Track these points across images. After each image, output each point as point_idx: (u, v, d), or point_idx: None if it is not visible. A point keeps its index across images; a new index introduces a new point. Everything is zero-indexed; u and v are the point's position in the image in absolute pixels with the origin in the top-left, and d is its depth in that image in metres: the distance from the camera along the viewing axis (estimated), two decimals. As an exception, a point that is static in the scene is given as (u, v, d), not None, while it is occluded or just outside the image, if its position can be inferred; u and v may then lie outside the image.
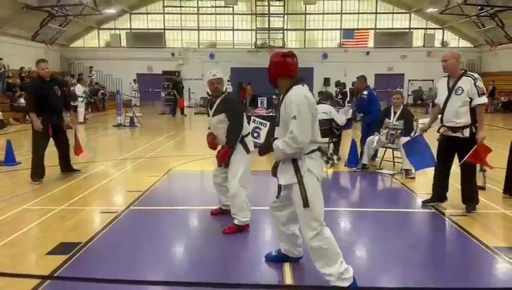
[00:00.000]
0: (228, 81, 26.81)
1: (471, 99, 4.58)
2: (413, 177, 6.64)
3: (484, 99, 4.60)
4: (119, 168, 7.58)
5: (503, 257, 3.71)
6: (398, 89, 20.01)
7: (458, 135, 4.71)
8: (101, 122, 16.31)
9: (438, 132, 4.96)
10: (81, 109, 15.45)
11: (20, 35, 19.67)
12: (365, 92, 7.73)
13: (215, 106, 4.28)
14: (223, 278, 3.28)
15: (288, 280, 3.26)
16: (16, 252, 3.73)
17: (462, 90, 4.59)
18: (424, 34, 25.82)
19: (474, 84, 4.56)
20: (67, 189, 5.96)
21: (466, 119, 4.64)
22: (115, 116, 15.21)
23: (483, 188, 5.70)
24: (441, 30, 25.76)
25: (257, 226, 4.48)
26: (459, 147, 4.75)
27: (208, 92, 4.29)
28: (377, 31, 25.78)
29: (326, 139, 7.57)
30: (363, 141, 7.62)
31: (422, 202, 5.29)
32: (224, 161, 4.24)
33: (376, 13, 25.81)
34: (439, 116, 4.90)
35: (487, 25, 20.22)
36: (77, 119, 13.84)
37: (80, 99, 15.46)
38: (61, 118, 6.61)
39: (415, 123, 7.25)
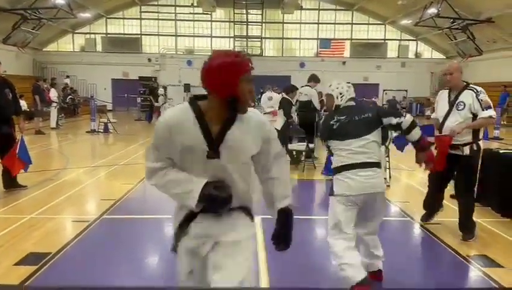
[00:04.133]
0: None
1: (474, 115, 4.16)
2: (388, 186, 6.72)
3: (490, 112, 4.14)
4: (92, 175, 7.40)
5: (474, 264, 3.78)
6: (373, 99, 20.40)
7: (457, 152, 4.26)
8: (74, 128, 15.95)
9: (435, 149, 4.46)
10: (54, 115, 15.07)
11: (-9, 37, 19.11)
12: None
13: None
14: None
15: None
16: (-20, 263, 3.57)
17: (464, 105, 4.18)
18: (399, 45, 26.41)
19: (477, 97, 4.15)
20: (37, 197, 5.76)
21: (467, 136, 4.21)
22: (88, 122, 14.90)
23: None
24: (415, 41, 26.41)
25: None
26: (458, 165, 4.33)
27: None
28: (353, 41, 26.21)
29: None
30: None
31: (421, 220, 4.90)
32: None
33: (352, 24, 26.26)
34: (436, 132, 4.54)
35: (459, 38, 20.84)
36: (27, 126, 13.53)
37: (53, 104, 15.09)
38: (12, 125, 5.89)
39: (389, 132, 7.36)
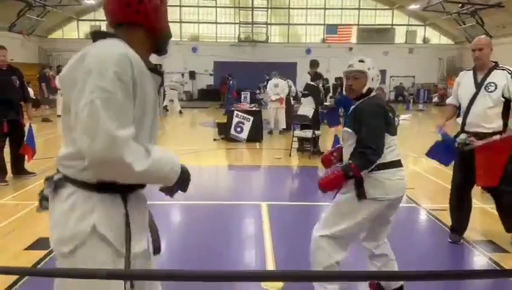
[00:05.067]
0: (210, 75, 26.53)
1: (507, 100, 3.60)
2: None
3: None
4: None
5: (480, 249, 3.80)
6: (379, 85, 20.28)
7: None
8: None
9: (455, 140, 3.87)
10: (60, 102, 15.12)
11: (-3, 25, 19.12)
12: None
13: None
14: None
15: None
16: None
17: (496, 86, 3.59)
18: (406, 31, 26.10)
19: None
20: (46, 183, 5.83)
21: (498, 123, 3.63)
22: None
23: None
24: (423, 27, 26.08)
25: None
26: None
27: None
28: (360, 27, 25.94)
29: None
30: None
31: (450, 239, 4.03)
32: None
33: (359, 9, 25.95)
34: (459, 120, 3.86)
35: (468, 23, 20.55)
36: (33, 113, 13.60)
37: (59, 92, 15.14)
38: (20, 113, 5.92)
39: (396, 119, 7.33)
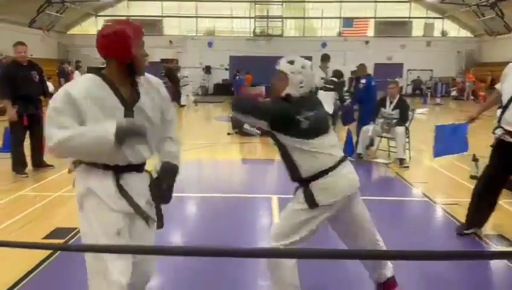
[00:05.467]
0: (226, 69, 26.55)
1: None
2: (407, 167, 6.70)
3: None
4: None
5: (489, 242, 3.79)
6: (396, 79, 20.05)
7: None
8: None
9: (494, 133, 3.64)
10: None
11: (17, 21, 19.51)
12: (363, 81, 7.82)
13: None
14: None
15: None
16: (11, 237, 3.78)
17: None
18: (424, 24, 25.70)
19: None
20: (64, 176, 5.99)
21: None
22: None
23: (476, 177, 5.75)
24: (441, 19, 25.63)
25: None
26: None
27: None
28: (377, 20, 25.63)
29: None
30: (358, 130, 7.65)
31: (457, 232, 4.01)
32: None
33: (376, 1, 25.64)
34: (498, 113, 3.56)
35: (487, 15, 20.12)
36: None
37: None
38: (39, 107, 6.09)
39: (410, 113, 7.29)
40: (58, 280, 3.10)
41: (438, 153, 4.60)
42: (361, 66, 8.29)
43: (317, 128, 2.52)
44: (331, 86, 8.05)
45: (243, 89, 15.98)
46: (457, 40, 25.12)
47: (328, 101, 7.78)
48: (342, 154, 2.62)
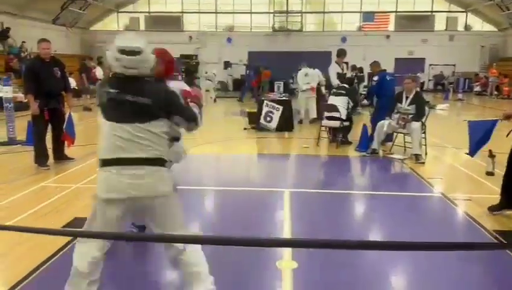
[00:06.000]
0: (244, 65, 26.62)
1: None
2: (423, 163, 6.65)
3: None
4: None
5: (501, 239, 3.77)
6: (417, 74, 19.76)
7: None
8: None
9: None
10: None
11: (42, 18, 20.04)
12: (375, 78, 7.86)
13: None
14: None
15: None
16: (33, 225, 3.95)
17: None
18: (447, 18, 25.18)
19: None
20: (83, 168, 6.20)
21: None
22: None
23: (492, 173, 5.71)
24: (464, 13, 25.07)
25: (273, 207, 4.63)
26: None
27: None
28: (398, 14, 25.25)
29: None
30: (372, 125, 7.63)
31: (488, 209, 4.38)
32: None
33: (397, -5, 25.26)
34: None
35: (512, 8, 19.63)
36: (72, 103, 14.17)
37: (99, 82, 15.74)
38: (60, 102, 6.25)
39: (426, 108, 7.24)
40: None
41: (473, 151, 4.62)
42: (374, 64, 8.28)
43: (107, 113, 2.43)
44: (343, 92, 8.06)
45: (254, 83, 16.18)
46: (481, 35, 24.54)
47: (341, 105, 7.80)
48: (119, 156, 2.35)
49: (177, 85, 2.95)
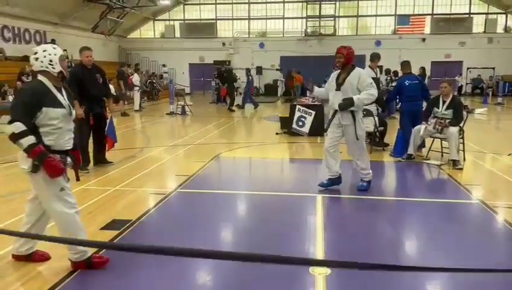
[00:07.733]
0: (277, 70, 26.70)
1: None
2: (461, 168, 6.47)
3: None
4: (170, 153, 7.99)
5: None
6: (456, 78, 19.15)
7: None
8: (155, 110, 17.04)
9: None
10: (137, 98, 16.21)
11: (81, 27, 20.85)
12: (393, 84, 7.84)
13: None
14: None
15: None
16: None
17: None
18: (485, 19, 24.37)
19: None
20: (122, 172, 6.41)
21: None
22: (168, 104, 15.85)
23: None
24: (504, 14, 24.19)
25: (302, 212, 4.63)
26: None
27: None
28: (434, 16, 24.67)
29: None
30: (407, 132, 7.42)
31: None
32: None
33: (433, -2, 24.69)
34: None
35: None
36: (122, 108, 14.59)
37: (136, 88, 16.22)
38: (103, 106, 6.55)
39: (464, 112, 7.04)
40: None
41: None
42: (403, 65, 7.89)
43: None
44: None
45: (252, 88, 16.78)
46: (522, 37, 23.61)
47: (370, 112, 7.71)
48: None
49: None
